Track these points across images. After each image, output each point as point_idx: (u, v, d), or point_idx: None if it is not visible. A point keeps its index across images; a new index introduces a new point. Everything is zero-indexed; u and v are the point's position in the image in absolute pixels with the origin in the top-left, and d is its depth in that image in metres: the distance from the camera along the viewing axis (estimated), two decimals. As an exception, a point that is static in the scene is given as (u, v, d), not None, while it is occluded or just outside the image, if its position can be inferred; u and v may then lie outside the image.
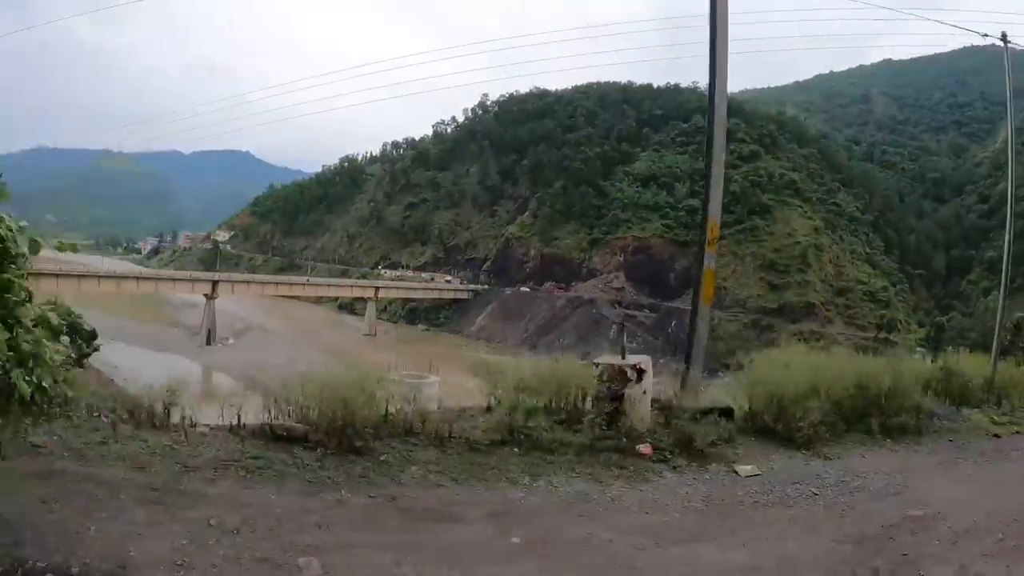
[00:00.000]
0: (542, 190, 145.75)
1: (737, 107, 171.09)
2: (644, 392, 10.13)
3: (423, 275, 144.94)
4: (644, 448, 9.07)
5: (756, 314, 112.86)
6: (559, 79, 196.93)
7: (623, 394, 9.93)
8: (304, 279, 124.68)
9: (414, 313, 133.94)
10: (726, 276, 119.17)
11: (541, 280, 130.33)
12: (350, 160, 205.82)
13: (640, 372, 10.12)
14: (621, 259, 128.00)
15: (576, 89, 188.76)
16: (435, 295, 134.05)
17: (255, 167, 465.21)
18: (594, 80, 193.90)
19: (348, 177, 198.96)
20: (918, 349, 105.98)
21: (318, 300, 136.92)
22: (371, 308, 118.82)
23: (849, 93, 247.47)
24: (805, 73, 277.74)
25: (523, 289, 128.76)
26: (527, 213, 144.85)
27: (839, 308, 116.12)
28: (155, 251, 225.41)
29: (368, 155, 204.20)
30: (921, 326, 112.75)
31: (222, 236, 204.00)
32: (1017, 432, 12.66)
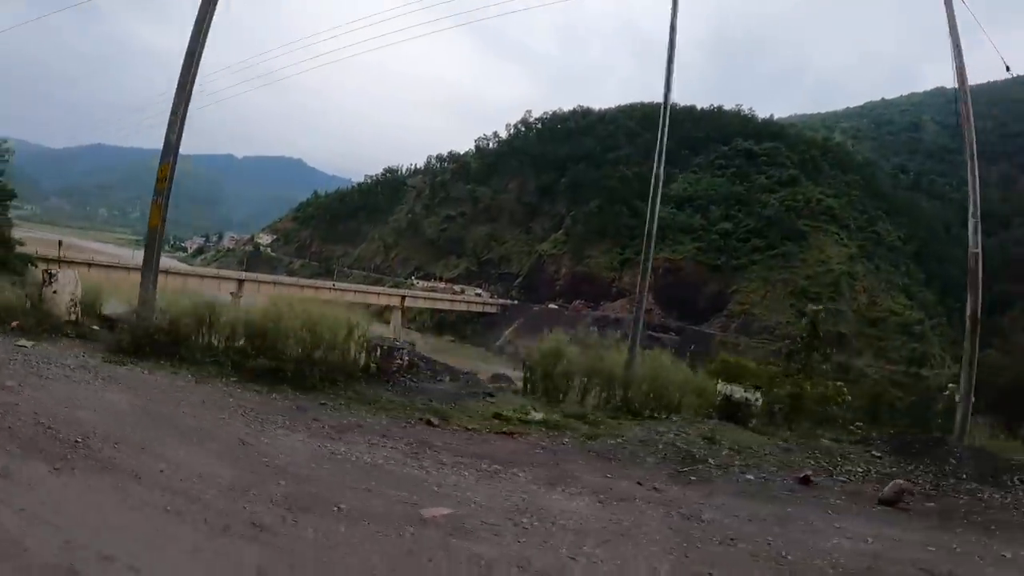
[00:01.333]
0: (578, 208, 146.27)
1: (779, 131, 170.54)
2: (55, 292, 14.43)
3: (454, 287, 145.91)
4: (13, 323, 13.13)
5: (783, 342, 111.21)
6: (607, 97, 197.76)
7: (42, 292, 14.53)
8: (330, 283, 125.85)
9: (442, 325, 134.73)
10: (755, 302, 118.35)
11: (571, 298, 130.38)
12: (391, 171, 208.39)
13: (51, 276, 14.77)
14: (651, 280, 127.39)
15: (619, 108, 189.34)
16: (463, 307, 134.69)
17: (306, 174, 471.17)
18: (638, 100, 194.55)
19: (389, 187, 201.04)
20: (950, 386, 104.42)
21: (349, 307, 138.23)
22: (396, 316, 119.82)
23: (899, 120, 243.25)
24: (856, 99, 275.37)
25: (551, 306, 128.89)
26: (561, 231, 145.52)
27: (870, 339, 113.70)
28: (200, 250, 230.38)
29: (412, 167, 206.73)
30: (957, 362, 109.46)
31: (265, 239, 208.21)
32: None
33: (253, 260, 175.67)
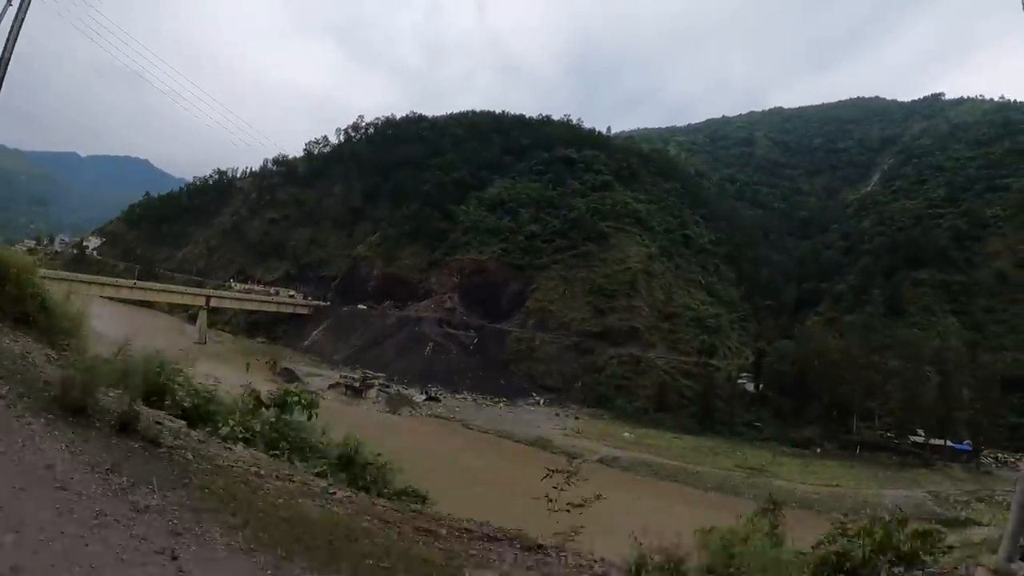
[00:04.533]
0: (397, 212, 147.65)
1: (602, 141, 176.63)
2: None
3: (270, 289, 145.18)
4: None
5: (578, 337, 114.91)
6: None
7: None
8: (132, 282, 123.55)
9: (255, 326, 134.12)
10: (553, 299, 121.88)
11: (382, 299, 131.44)
12: (221, 172, 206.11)
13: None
14: (457, 280, 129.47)
15: (450, 116, 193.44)
16: (273, 308, 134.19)
17: (153, 176, 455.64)
18: (469, 109, 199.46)
19: (217, 190, 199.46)
20: (743, 375, 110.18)
21: (171, 309, 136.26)
22: (202, 317, 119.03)
23: (735, 136, 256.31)
24: (700, 117, 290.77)
25: (359, 307, 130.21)
26: (376, 234, 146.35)
27: (663, 333, 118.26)
28: (30, 252, 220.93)
29: (248, 169, 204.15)
30: (756, 354, 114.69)
31: (95, 242, 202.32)
32: None
33: (78, 263, 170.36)
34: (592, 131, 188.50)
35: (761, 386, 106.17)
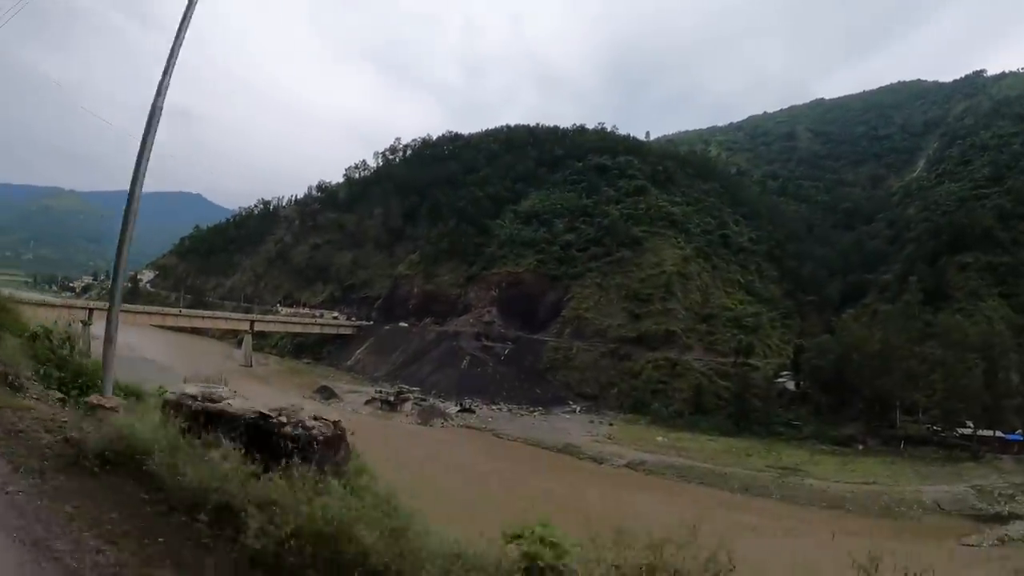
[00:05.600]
0: (434, 230, 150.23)
1: (636, 146, 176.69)
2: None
3: (314, 312, 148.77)
4: None
5: (615, 343, 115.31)
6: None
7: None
8: (177, 310, 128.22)
9: (301, 348, 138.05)
10: (589, 307, 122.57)
11: (422, 316, 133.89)
12: (265, 202, 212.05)
13: None
14: (495, 294, 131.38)
15: (486, 132, 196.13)
16: (317, 330, 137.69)
17: (206, 209, 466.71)
18: (505, 124, 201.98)
19: (262, 218, 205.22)
20: (783, 374, 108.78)
21: (221, 335, 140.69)
22: (247, 340, 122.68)
23: (776, 131, 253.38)
24: (741, 115, 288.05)
25: (401, 325, 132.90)
26: (416, 253, 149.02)
27: (700, 335, 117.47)
28: (87, 288, 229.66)
29: (293, 198, 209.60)
30: (799, 352, 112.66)
31: (148, 275, 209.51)
32: None
33: (132, 296, 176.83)
34: (627, 137, 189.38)
35: (801, 383, 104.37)
